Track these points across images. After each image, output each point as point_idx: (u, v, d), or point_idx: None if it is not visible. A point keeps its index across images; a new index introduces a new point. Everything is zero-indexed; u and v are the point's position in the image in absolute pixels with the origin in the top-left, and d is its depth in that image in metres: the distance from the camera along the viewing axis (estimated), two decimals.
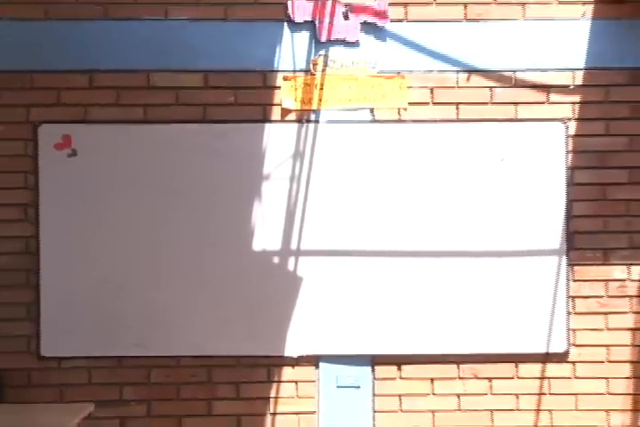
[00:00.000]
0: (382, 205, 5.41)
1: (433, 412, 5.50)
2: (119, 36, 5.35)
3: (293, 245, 5.39)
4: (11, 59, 5.34)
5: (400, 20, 5.42)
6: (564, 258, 5.44)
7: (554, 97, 5.46)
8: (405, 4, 5.40)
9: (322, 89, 5.41)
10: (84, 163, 5.30)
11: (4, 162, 5.32)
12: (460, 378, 5.51)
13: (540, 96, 5.46)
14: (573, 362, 5.51)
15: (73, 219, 5.30)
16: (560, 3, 5.44)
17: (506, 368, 5.51)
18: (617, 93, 5.46)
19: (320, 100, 5.43)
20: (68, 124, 5.32)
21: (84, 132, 5.30)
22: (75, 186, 5.32)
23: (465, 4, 5.42)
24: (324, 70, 5.45)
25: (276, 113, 5.41)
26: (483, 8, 5.43)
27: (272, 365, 5.47)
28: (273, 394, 5.45)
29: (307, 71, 5.45)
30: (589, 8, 5.45)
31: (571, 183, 5.44)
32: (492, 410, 5.50)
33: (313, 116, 5.43)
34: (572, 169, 5.44)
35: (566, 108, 5.48)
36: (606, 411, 5.53)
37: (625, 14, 5.49)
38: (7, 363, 5.35)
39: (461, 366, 5.50)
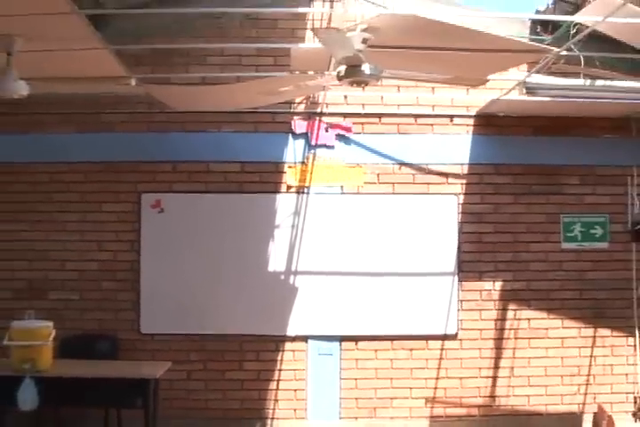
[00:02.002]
0: (348, 243, 8.40)
1: (376, 369, 8.44)
2: (191, 140, 8.38)
3: (292, 268, 8.41)
4: (126, 154, 8.37)
5: (359, 133, 8.55)
6: (456, 277, 8.47)
7: (451, 180, 8.57)
8: (362, 123, 8.55)
9: (312, 173, 8.45)
10: (168, 217, 8.35)
11: (122, 215, 8.34)
12: (392, 349, 8.44)
13: (443, 179, 8.56)
14: (461, 339, 8.45)
15: (160, 250, 8.35)
16: (454, 124, 8.60)
17: (420, 343, 8.43)
18: (486, 179, 8.60)
19: (310, 180, 8.45)
20: (159, 193, 8.37)
21: (169, 198, 8.37)
22: (162, 231, 8.36)
23: (397, 124, 8.56)
24: (313, 162, 8.49)
25: (283, 188, 8.44)
26: (409, 126, 8.58)
27: (279, 340, 8.36)
28: (279, 358, 8.36)
29: (303, 163, 8.49)
30: (471, 128, 8.62)
31: (460, 232, 8.51)
32: (411, 368, 8.45)
33: (306, 190, 8.44)
34: (461, 223, 8.52)
35: (458, 187, 8.57)
36: (478, 369, 8.50)
37: (490, 132, 8.61)
38: (121, 335, 8.22)
39: (393, 342, 8.44)
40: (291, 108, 8.46)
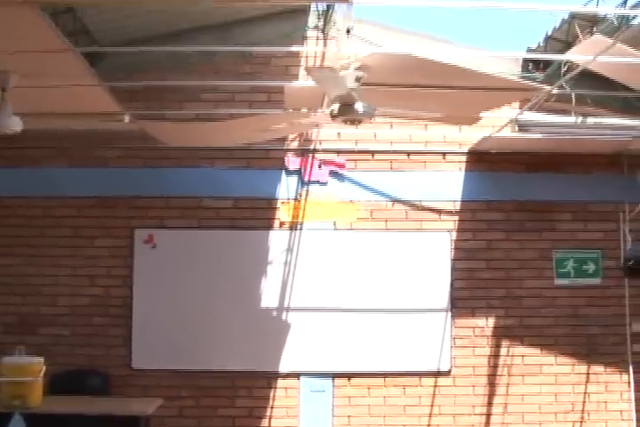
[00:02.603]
0: (341, 280, 8.40)
1: (369, 406, 8.39)
2: (184, 176, 8.42)
3: (285, 304, 8.40)
4: (119, 189, 8.38)
5: (352, 169, 8.60)
6: (449, 313, 8.46)
7: (443, 216, 8.61)
8: (355, 160, 8.60)
9: (304, 210, 8.47)
10: (161, 252, 8.37)
11: (115, 250, 8.35)
12: (385, 386, 8.40)
13: (435, 216, 8.60)
14: (454, 376, 8.43)
15: (153, 286, 8.33)
16: (447, 161, 8.67)
17: (413, 380, 8.41)
18: (479, 215, 8.62)
19: (303, 216, 8.47)
20: (152, 228, 8.38)
21: (162, 234, 8.38)
22: (154, 266, 8.36)
23: (390, 161, 8.63)
24: (305, 199, 8.52)
25: (276, 224, 8.46)
26: (401, 163, 8.64)
27: (271, 377, 8.33)
28: (271, 395, 8.33)
29: (296, 199, 8.51)
30: (463, 165, 8.67)
31: (453, 268, 8.53)
32: (404, 405, 8.40)
33: (299, 226, 8.46)
34: (454, 260, 8.54)
35: (450, 223, 8.60)
36: (472, 406, 8.45)
37: (483, 169, 8.67)
38: (112, 371, 8.16)
39: (386, 378, 8.41)
40: (284, 144, 8.51)
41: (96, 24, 7.20)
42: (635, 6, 6.79)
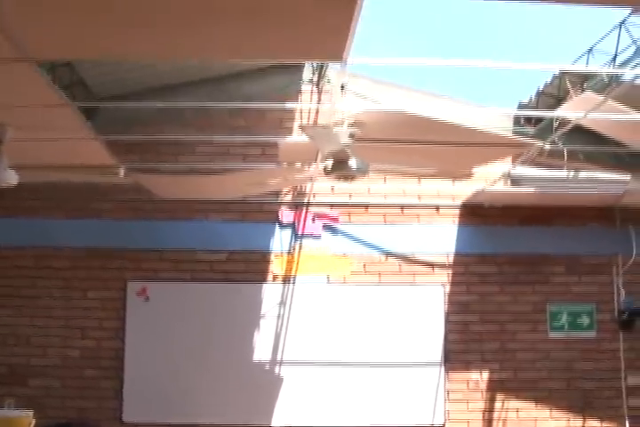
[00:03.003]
0: (334, 333, 8.36)
1: None
2: (178, 228, 8.43)
3: (278, 357, 8.35)
4: (113, 241, 8.39)
5: (346, 223, 8.63)
6: (443, 367, 8.42)
7: (437, 270, 8.63)
8: (349, 213, 8.64)
9: (298, 263, 8.48)
10: (153, 305, 8.34)
11: (108, 302, 8.32)
12: None
13: (429, 269, 8.62)
14: None
15: (145, 338, 8.28)
16: (440, 214, 8.71)
17: None
18: (473, 268, 8.64)
19: (296, 269, 8.47)
20: (145, 281, 8.36)
21: (155, 286, 8.36)
22: (147, 319, 8.32)
23: (384, 214, 8.66)
24: (299, 252, 8.53)
25: (270, 277, 8.47)
26: (395, 216, 8.67)
27: None
28: None
29: (289, 252, 8.53)
30: (457, 218, 8.71)
31: (447, 321, 8.50)
32: None
33: (292, 280, 8.46)
34: (448, 313, 8.52)
35: (444, 276, 8.62)
36: None
37: (476, 222, 8.70)
38: (103, 424, 8.06)
39: None
40: (278, 197, 8.56)
41: (93, 77, 7.29)
42: (623, 64, 6.89)
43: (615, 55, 7.19)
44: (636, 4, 5.08)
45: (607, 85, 7.04)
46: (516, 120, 8.72)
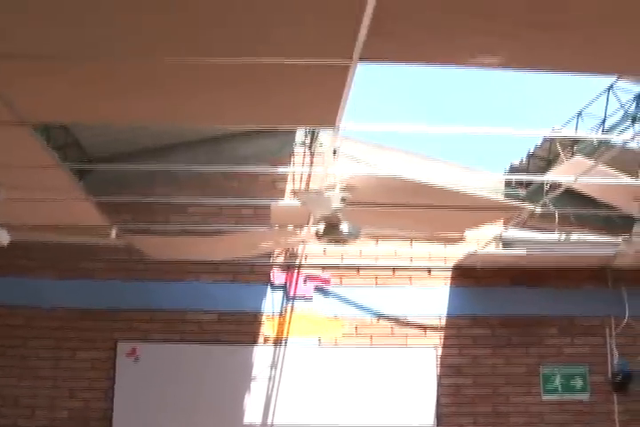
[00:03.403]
0: (326, 396, 8.29)
1: None
2: (169, 289, 8.40)
3: (269, 421, 8.27)
4: (103, 301, 8.34)
5: (337, 285, 8.62)
6: None
7: (429, 332, 8.59)
8: (341, 275, 8.64)
9: (289, 325, 8.44)
10: (144, 365, 8.25)
11: (97, 363, 8.25)
12: None
13: (421, 331, 8.58)
14: None
15: (135, 399, 8.19)
16: (432, 276, 8.71)
17: None
18: (465, 331, 8.59)
19: (288, 331, 8.43)
20: (135, 341, 8.29)
21: (145, 347, 8.29)
22: (137, 379, 8.24)
23: (376, 276, 8.66)
24: (290, 314, 8.50)
25: (261, 339, 8.41)
26: (387, 279, 8.67)
27: None
28: None
29: (280, 314, 8.49)
30: (448, 280, 8.71)
31: (439, 384, 8.44)
32: None
33: (283, 342, 8.40)
34: (440, 376, 8.46)
35: (436, 339, 8.57)
36: None
37: (468, 284, 8.69)
38: None
39: None
40: (270, 259, 8.56)
41: (87, 137, 7.35)
42: (612, 128, 6.98)
43: (604, 119, 7.30)
44: (619, 72, 5.19)
45: (597, 149, 7.12)
46: (508, 182, 8.78)
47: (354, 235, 5.52)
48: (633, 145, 6.50)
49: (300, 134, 8.72)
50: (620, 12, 3.46)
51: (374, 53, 3.77)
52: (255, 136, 8.43)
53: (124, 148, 7.82)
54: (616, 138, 6.71)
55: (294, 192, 5.94)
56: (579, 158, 6.36)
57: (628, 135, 6.46)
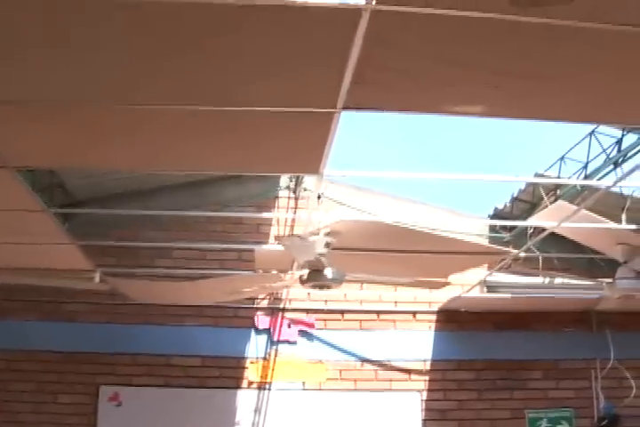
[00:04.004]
0: None
1: None
2: (152, 333, 8.30)
3: None
4: (86, 344, 8.22)
5: (321, 329, 8.59)
6: None
7: (413, 376, 8.55)
8: (325, 319, 8.60)
9: (273, 369, 8.37)
10: (126, 411, 8.13)
11: (79, 407, 8.08)
12: None
13: (405, 376, 8.53)
14: None
15: None
16: (416, 320, 8.70)
17: None
18: (449, 375, 8.55)
19: (272, 376, 8.36)
20: (118, 385, 8.18)
21: (128, 392, 8.17)
22: (119, 424, 8.11)
23: (360, 320, 8.63)
24: (274, 358, 8.42)
25: (244, 383, 8.34)
26: (371, 322, 8.65)
27: None
28: None
29: (264, 358, 8.43)
30: (433, 324, 8.70)
31: None
32: None
33: (267, 386, 8.33)
34: (425, 420, 8.40)
35: (421, 383, 8.53)
36: None
37: (453, 328, 8.67)
38: None
39: None
40: (254, 303, 8.51)
41: (72, 180, 7.34)
42: (593, 173, 7.05)
43: (586, 163, 7.37)
44: (597, 122, 5.27)
45: (580, 193, 7.17)
46: (492, 226, 8.82)
47: (338, 280, 5.54)
48: (615, 189, 6.54)
49: (285, 179, 8.74)
50: (597, 62, 3.52)
51: (358, 102, 3.83)
52: (240, 180, 8.44)
53: (110, 190, 7.81)
54: (598, 183, 6.76)
55: (277, 237, 5.94)
56: (561, 203, 6.41)
57: (609, 180, 6.51)
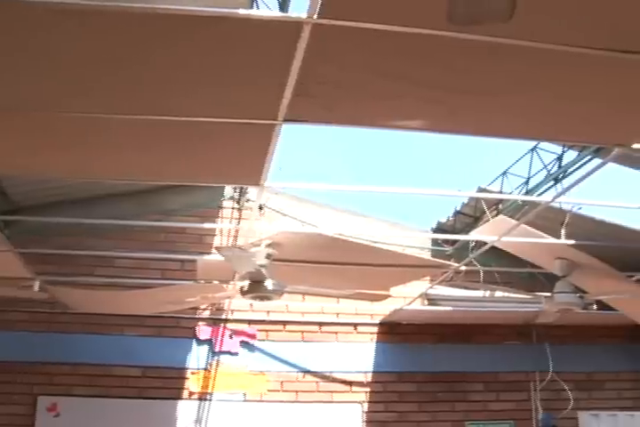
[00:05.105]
0: None
1: None
2: (93, 342, 8.19)
3: None
4: (23, 354, 8.04)
5: (263, 340, 8.59)
6: None
7: (355, 388, 8.57)
8: (267, 331, 8.59)
9: (214, 380, 8.32)
10: (64, 421, 7.97)
11: (15, 419, 7.90)
12: None
13: (346, 387, 8.56)
14: None
15: None
16: (358, 332, 8.72)
17: None
18: (390, 387, 8.60)
19: (213, 387, 8.30)
20: (56, 396, 8.03)
21: (66, 402, 8.03)
22: None
23: (302, 332, 8.63)
24: (216, 369, 8.37)
25: (185, 394, 8.27)
26: (313, 334, 8.65)
27: None
28: None
29: (206, 369, 8.36)
30: (375, 336, 8.73)
31: None
32: None
33: (208, 397, 8.27)
34: None
35: (362, 395, 8.55)
36: None
37: (394, 340, 8.73)
38: None
39: None
40: (196, 313, 8.46)
41: (13, 186, 7.26)
42: (534, 189, 7.15)
43: (528, 179, 7.47)
44: (536, 138, 5.35)
45: (521, 208, 7.27)
46: (435, 239, 8.90)
47: (278, 292, 5.53)
48: (555, 205, 6.64)
49: (230, 189, 8.73)
50: (538, 80, 3.58)
51: (299, 115, 3.83)
52: (184, 189, 8.41)
53: (52, 198, 7.73)
54: (539, 198, 6.85)
55: (218, 248, 5.92)
56: (502, 217, 6.49)
57: (550, 195, 6.60)
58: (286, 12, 5.13)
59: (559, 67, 3.46)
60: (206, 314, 8.53)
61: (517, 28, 3.08)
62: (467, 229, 8.22)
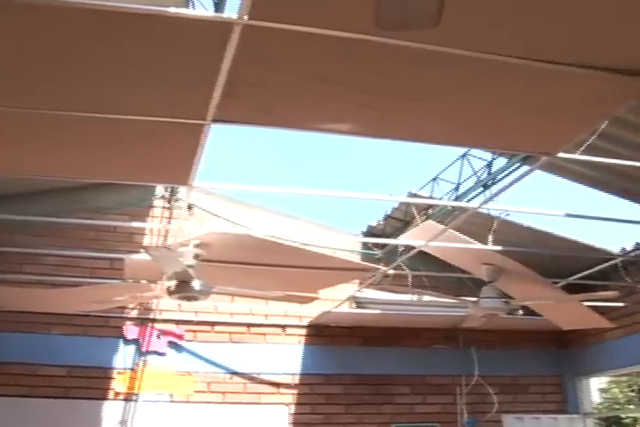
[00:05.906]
0: None
1: None
2: (17, 341, 8.00)
3: None
4: None
5: (191, 340, 8.55)
6: None
7: (282, 389, 8.59)
8: (195, 331, 8.56)
9: (141, 380, 8.24)
10: None
11: None
12: None
13: (274, 389, 8.57)
14: None
15: None
16: (286, 334, 8.75)
17: None
18: (317, 389, 8.63)
19: (139, 387, 8.21)
20: None
21: None
22: None
23: (230, 333, 8.62)
24: (143, 369, 8.29)
25: (111, 394, 8.16)
26: (241, 335, 8.65)
27: None
28: None
29: (132, 369, 8.27)
30: (303, 338, 8.77)
31: None
32: None
33: (135, 397, 8.17)
34: None
35: (289, 396, 8.57)
36: None
37: (322, 342, 8.78)
38: None
39: None
40: (123, 312, 8.39)
41: None
42: (463, 194, 7.25)
43: (458, 184, 7.57)
44: (465, 145, 5.44)
45: (451, 213, 7.37)
46: (365, 243, 8.97)
47: (204, 292, 5.53)
48: (484, 211, 6.74)
49: (161, 188, 8.69)
50: (467, 87, 3.64)
51: (228, 115, 3.86)
52: (116, 187, 8.35)
53: None
54: (467, 204, 6.95)
55: (145, 247, 5.90)
56: (430, 222, 6.57)
57: (479, 201, 6.69)
58: (222, 12, 5.12)
59: (485, 74, 3.53)
60: (134, 314, 8.46)
61: (444, 34, 3.14)
62: (397, 234, 8.30)
